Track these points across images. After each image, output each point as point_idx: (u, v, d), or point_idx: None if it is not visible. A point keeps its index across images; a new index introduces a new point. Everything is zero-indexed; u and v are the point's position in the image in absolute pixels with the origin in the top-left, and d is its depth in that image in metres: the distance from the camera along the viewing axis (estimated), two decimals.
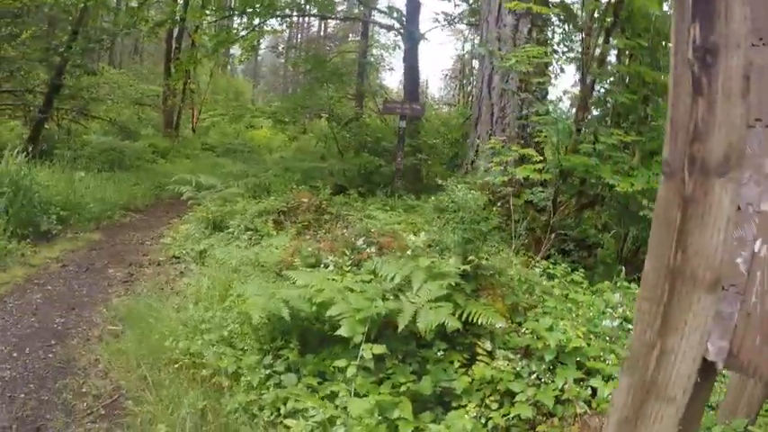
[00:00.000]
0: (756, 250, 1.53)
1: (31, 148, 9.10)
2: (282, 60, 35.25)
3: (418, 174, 11.46)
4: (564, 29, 10.92)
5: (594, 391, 3.28)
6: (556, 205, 6.14)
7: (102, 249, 7.21)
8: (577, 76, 12.28)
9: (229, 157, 16.05)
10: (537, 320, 3.76)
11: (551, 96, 8.35)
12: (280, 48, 29.82)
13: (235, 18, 15.51)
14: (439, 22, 14.89)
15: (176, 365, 3.51)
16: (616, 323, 3.97)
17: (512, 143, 7.28)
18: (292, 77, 32.84)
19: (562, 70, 11.22)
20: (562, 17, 9.65)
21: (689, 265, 1.57)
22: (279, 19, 15.75)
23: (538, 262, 5.19)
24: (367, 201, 8.21)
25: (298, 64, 19.31)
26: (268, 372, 3.23)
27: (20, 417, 3.18)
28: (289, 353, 3.31)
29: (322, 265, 4.35)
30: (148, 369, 3.55)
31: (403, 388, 3.02)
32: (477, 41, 23.86)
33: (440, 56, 67.67)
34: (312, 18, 29.62)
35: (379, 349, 2.97)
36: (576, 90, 8.85)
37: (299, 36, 37.17)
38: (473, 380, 3.23)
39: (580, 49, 10.60)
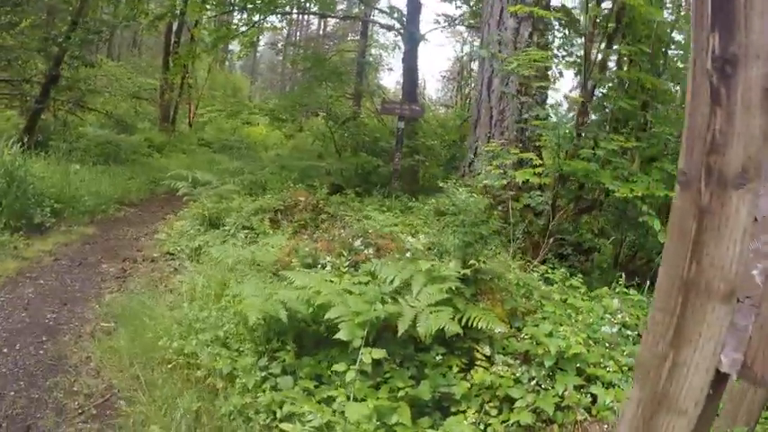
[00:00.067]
0: None
1: (26, 139, 8.99)
2: (281, 58, 35.19)
3: (415, 175, 11.42)
4: (564, 33, 10.94)
5: (594, 397, 3.26)
6: (554, 209, 6.11)
7: (95, 244, 7.13)
8: (575, 81, 12.29)
9: (226, 154, 15.95)
10: (536, 326, 3.73)
11: (550, 100, 8.36)
12: (279, 45, 29.70)
13: (235, 14, 15.44)
14: (440, 23, 14.87)
15: (170, 365, 3.45)
16: (615, 329, 3.95)
17: (510, 146, 7.25)
18: (290, 75, 32.76)
19: (561, 74, 11.23)
20: (563, 21, 9.65)
21: (704, 277, 1.54)
22: (279, 16, 15.68)
23: (536, 266, 5.16)
24: (364, 201, 8.16)
25: (297, 62, 19.23)
26: (264, 374, 3.18)
27: (9, 415, 3.12)
28: (285, 355, 3.26)
29: (319, 266, 4.30)
30: (141, 368, 3.49)
31: (401, 393, 2.98)
32: (476, 44, 23.91)
33: (438, 57, 67.69)
34: (312, 16, 29.57)
35: (379, 354, 2.92)
36: (574, 94, 8.86)
37: (299, 34, 37.09)
38: (472, 385, 3.20)
39: (580, 54, 10.63)
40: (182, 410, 2.94)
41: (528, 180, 5.78)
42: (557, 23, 9.40)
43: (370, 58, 22.04)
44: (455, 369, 3.29)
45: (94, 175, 9.85)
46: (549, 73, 8.35)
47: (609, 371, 3.45)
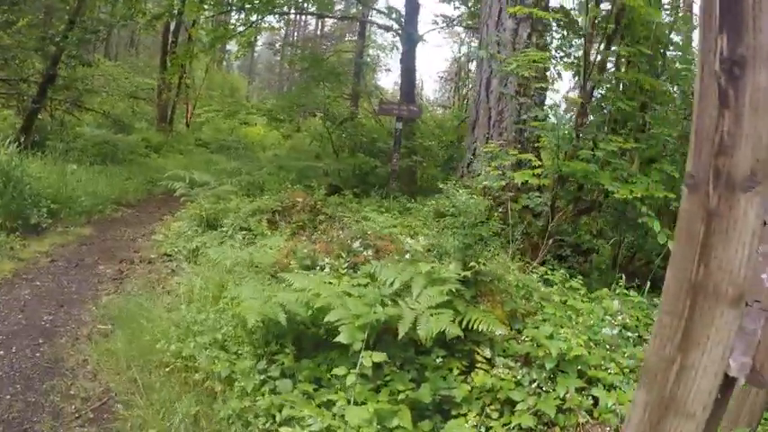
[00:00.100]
0: None
1: (23, 139, 8.95)
2: (279, 58, 35.17)
3: (413, 175, 11.40)
4: (562, 34, 10.94)
5: (596, 400, 3.24)
6: (554, 210, 6.09)
7: (92, 245, 7.09)
8: (572, 82, 12.29)
9: (223, 154, 15.91)
10: (537, 328, 3.71)
11: (550, 101, 8.34)
12: (276, 45, 29.66)
13: (232, 14, 15.39)
14: (438, 24, 14.86)
15: (168, 368, 3.42)
16: (615, 331, 3.93)
17: (509, 147, 7.24)
18: (288, 75, 32.75)
19: (559, 75, 11.22)
20: (561, 22, 9.64)
21: (712, 280, 1.52)
22: (276, 16, 15.65)
23: (535, 268, 5.14)
24: (362, 202, 8.13)
25: (294, 62, 19.21)
26: (262, 377, 3.15)
27: (6, 419, 3.09)
28: (284, 358, 3.23)
29: (318, 268, 4.27)
30: (139, 371, 3.46)
31: (402, 396, 2.95)
32: (474, 45, 23.91)
33: (435, 58, 67.71)
34: (309, 16, 29.52)
35: (380, 357, 2.89)
36: (572, 95, 8.85)
37: (296, 34, 37.04)
38: (473, 388, 3.17)
39: (578, 55, 10.62)
40: (180, 414, 2.91)
41: (527, 181, 5.77)
42: (555, 24, 9.40)
43: (368, 59, 22.02)
44: (456, 372, 3.26)
45: (91, 176, 9.80)
46: (548, 74, 8.34)
47: (610, 373, 3.43)
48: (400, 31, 13.44)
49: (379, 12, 15.08)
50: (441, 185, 5.03)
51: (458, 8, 14.77)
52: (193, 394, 3.15)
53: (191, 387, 3.26)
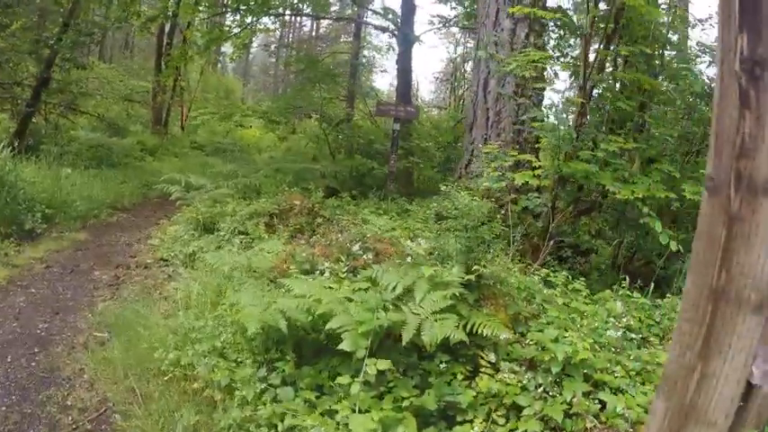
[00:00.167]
0: None
1: (16, 143, 8.85)
2: (274, 59, 35.10)
3: (410, 177, 11.36)
4: (559, 34, 10.92)
5: (603, 404, 3.19)
6: (554, 212, 6.05)
7: (87, 250, 7.01)
8: (568, 82, 12.27)
9: (219, 157, 15.80)
10: (540, 331, 3.66)
11: (549, 101, 8.31)
12: (272, 47, 29.60)
13: (227, 15, 15.31)
14: (434, 24, 14.82)
15: (166, 377, 3.34)
16: (620, 333, 3.88)
17: (507, 148, 7.20)
18: (283, 77, 32.66)
19: (556, 75, 11.20)
20: (559, 23, 9.61)
21: (733, 285, 1.47)
22: (272, 17, 15.59)
23: (537, 270, 5.09)
24: (360, 204, 8.07)
25: (290, 63, 19.14)
26: (263, 385, 3.07)
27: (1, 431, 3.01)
28: (284, 365, 3.15)
29: (317, 272, 4.21)
30: (136, 380, 3.39)
31: (406, 403, 2.88)
32: (469, 45, 23.91)
33: (431, 59, 67.82)
34: (304, 18, 29.47)
35: (384, 365, 2.82)
36: (569, 95, 8.81)
37: (291, 36, 36.96)
38: (478, 393, 3.11)
39: (575, 55, 10.59)
40: (180, 425, 2.84)
41: (527, 182, 5.72)
42: (552, 24, 9.37)
43: (364, 60, 21.97)
44: (460, 377, 3.20)
45: (86, 180, 9.70)
46: (545, 74, 8.31)
47: (617, 376, 3.38)
48: (396, 32, 13.39)
49: (375, 12, 15.07)
50: (442, 187, 4.97)
51: (454, 8, 14.74)
52: (193, 403, 3.08)
53: (190, 396, 3.19)
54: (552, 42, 10.40)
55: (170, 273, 5.85)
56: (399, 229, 5.70)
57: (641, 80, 6.75)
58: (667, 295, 4.76)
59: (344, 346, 2.88)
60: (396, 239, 4.58)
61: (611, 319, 4.07)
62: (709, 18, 7.89)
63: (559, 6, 10.33)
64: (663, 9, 8.04)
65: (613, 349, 3.71)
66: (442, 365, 3.20)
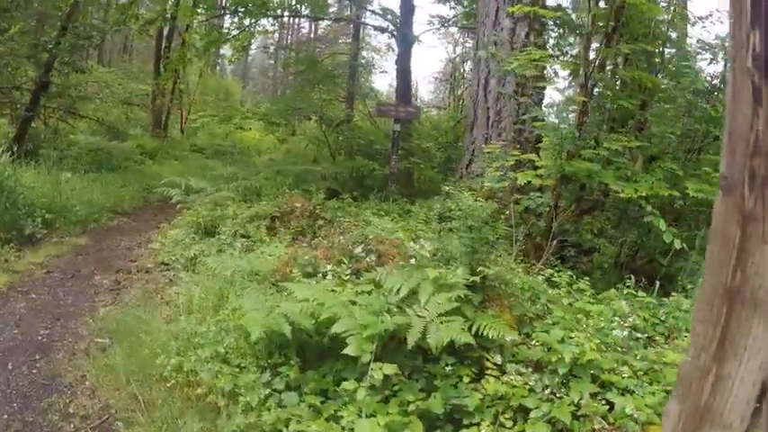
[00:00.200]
0: None
1: (15, 148, 8.82)
2: (272, 61, 35.07)
3: (410, 177, 11.33)
4: (559, 33, 10.89)
5: (611, 405, 3.15)
6: (557, 211, 6.01)
7: (88, 255, 6.98)
8: (567, 81, 12.25)
9: (219, 159, 15.79)
10: (547, 332, 3.62)
11: (550, 100, 8.28)
12: (270, 49, 29.57)
13: (226, 18, 15.30)
14: (434, 24, 14.78)
15: (168, 384, 3.31)
16: (626, 333, 3.85)
17: (508, 147, 7.17)
18: (282, 78, 32.61)
19: (556, 74, 11.18)
20: (558, 21, 9.58)
21: (748, 286, 1.43)
22: (270, 19, 15.57)
23: (541, 270, 5.05)
24: (361, 205, 8.04)
25: (289, 65, 19.11)
26: (267, 391, 3.04)
27: None
28: (288, 370, 3.12)
29: (320, 275, 4.17)
30: (139, 387, 3.35)
31: (412, 407, 2.85)
32: (468, 45, 23.88)
33: (430, 59, 67.81)
34: (303, 19, 29.46)
35: (391, 369, 2.79)
36: (568, 94, 8.80)
37: (290, 37, 36.93)
38: (484, 396, 3.07)
39: (574, 53, 10.56)
40: None
41: (529, 182, 5.68)
42: (551, 23, 9.34)
43: (363, 61, 21.94)
44: (466, 380, 3.16)
45: (86, 184, 9.67)
46: (545, 73, 8.28)
47: (624, 377, 3.34)
48: (395, 33, 13.37)
49: (374, 13, 15.04)
50: (444, 188, 4.93)
51: (453, 8, 14.71)
52: (196, 410, 3.05)
53: (193, 402, 3.15)
54: (552, 41, 10.39)
55: (171, 277, 5.81)
56: (401, 230, 5.66)
57: (642, 78, 6.73)
58: (672, 294, 4.72)
59: (349, 350, 2.84)
60: (399, 241, 4.54)
61: (617, 319, 4.04)
62: (710, 15, 7.85)
63: (559, 5, 10.31)
64: (663, 6, 8.01)
65: (620, 349, 3.68)
66: (448, 368, 3.17)
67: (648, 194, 5.37)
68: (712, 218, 1.55)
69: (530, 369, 3.35)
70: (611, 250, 7.07)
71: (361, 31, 20.17)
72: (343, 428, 2.69)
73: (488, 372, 3.26)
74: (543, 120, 6.70)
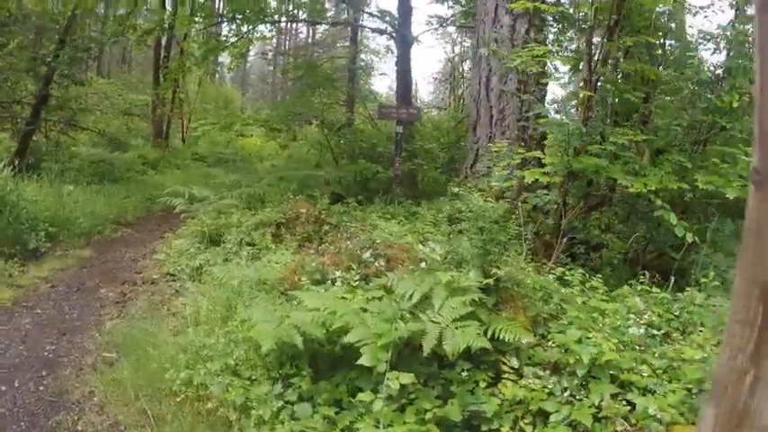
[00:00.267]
0: None
1: (17, 162, 8.78)
2: (271, 68, 35.07)
3: (414, 179, 11.26)
4: (558, 28, 10.81)
5: (632, 405, 3.07)
6: (566, 208, 5.93)
7: (93, 267, 6.92)
8: (567, 77, 12.16)
9: (221, 167, 15.75)
10: (562, 332, 3.54)
11: (550, 95, 8.20)
12: (269, 55, 29.55)
13: (224, 25, 15.27)
14: (432, 24, 14.73)
15: (178, 398, 3.23)
16: (642, 330, 3.76)
17: (513, 146, 7.09)
18: (281, 84, 32.61)
19: (556, 70, 11.10)
20: (558, 16, 9.50)
21: None
22: (268, 25, 15.53)
23: (552, 268, 4.97)
24: (366, 209, 7.97)
25: (288, 70, 19.06)
26: (280, 403, 2.96)
27: None
28: (300, 381, 3.04)
29: (328, 281, 4.10)
30: (148, 402, 3.28)
31: (429, 415, 2.77)
32: (466, 44, 23.82)
33: (428, 59, 67.68)
34: (300, 24, 29.43)
35: (407, 378, 2.71)
36: (570, 89, 8.71)
37: (287, 43, 36.94)
38: (503, 401, 3.00)
39: (573, 48, 10.48)
40: None
41: (536, 180, 5.60)
42: (550, 18, 9.27)
43: (362, 64, 21.89)
44: (483, 385, 3.09)
45: (89, 196, 9.63)
46: (545, 69, 8.21)
47: (644, 376, 3.26)
48: (394, 34, 13.31)
49: (372, 15, 14.99)
50: (453, 189, 4.85)
51: (451, 7, 14.65)
52: (207, 425, 2.98)
53: (204, 417, 3.08)
54: (551, 36, 10.31)
55: (177, 288, 5.74)
56: (409, 233, 5.59)
57: (646, 71, 6.65)
58: (686, 289, 4.63)
59: (364, 360, 2.76)
60: (408, 245, 4.46)
61: (632, 316, 3.96)
62: (712, 4, 7.77)
63: (557, 0, 10.24)
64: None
65: (638, 347, 3.59)
66: (464, 374, 3.09)
67: (658, 188, 5.29)
68: (745, 214, 1.48)
69: (547, 371, 3.27)
70: (620, 245, 6.98)
71: (359, 33, 20.14)
72: None
73: (505, 376, 3.19)
74: (547, 116, 6.62)
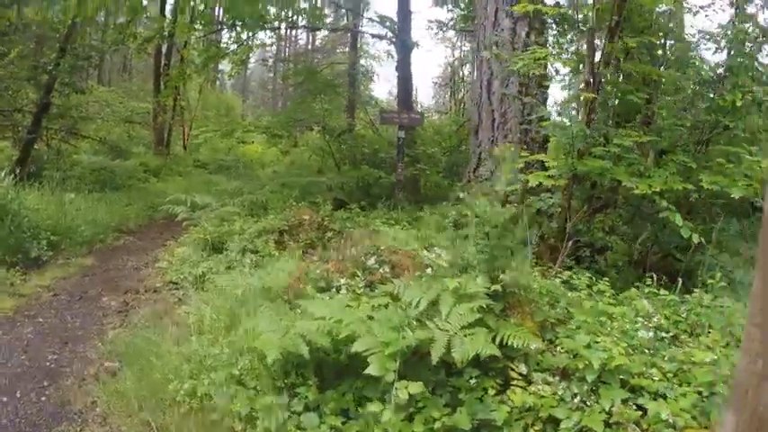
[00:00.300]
0: None
1: (18, 171, 8.77)
2: (271, 74, 35.12)
3: (416, 184, 11.24)
4: (558, 30, 10.79)
5: (643, 410, 3.02)
6: (570, 211, 5.88)
7: (95, 275, 6.89)
8: (567, 80, 12.13)
9: (222, 174, 15.72)
10: (570, 337, 3.49)
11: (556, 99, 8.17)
12: (269, 61, 29.59)
13: (224, 32, 15.29)
14: (432, 29, 14.75)
15: (182, 409, 3.18)
16: (651, 334, 3.71)
17: (516, 149, 7.05)
18: (281, 90, 32.64)
19: (557, 72, 11.07)
20: (557, 18, 9.48)
21: None
22: (268, 32, 15.55)
23: (558, 272, 4.92)
24: (369, 215, 7.94)
25: (289, 77, 19.08)
26: (286, 413, 2.90)
27: None
28: (306, 390, 2.99)
29: (333, 289, 4.05)
30: (151, 413, 3.22)
31: (438, 424, 2.72)
32: (466, 48, 23.84)
33: (428, 63, 67.85)
34: (300, 30, 29.49)
35: (416, 388, 2.66)
36: (571, 92, 8.67)
37: (287, 49, 37.00)
38: (512, 408, 2.94)
39: (572, 50, 10.46)
40: None
41: (540, 183, 5.56)
42: (550, 20, 9.25)
43: (362, 69, 21.90)
44: (491, 392, 3.03)
45: (90, 204, 9.60)
46: (546, 71, 8.19)
47: (654, 380, 3.21)
48: (394, 39, 13.30)
49: (372, 20, 14.98)
50: (459, 194, 4.80)
51: (451, 11, 14.66)
52: None
53: (208, 428, 3.03)
54: (551, 39, 10.29)
55: (180, 296, 5.70)
56: (413, 239, 5.54)
57: (648, 71, 6.62)
58: (693, 290, 4.58)
59: (372, 370, 2.71)
60: (413, 251, 4.42)
61: (640, 319, 3.91)
62: (712, 3, 7.73)
63: (557, 2, 10.23)
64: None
65: (647, 351, 3.54)
66: (472, 381, 3.04)
67: (663, 189, 5.24)
68: (763, 216, 1.44)
69: (557, 377, 3.22)
70: (623, 247, 6.94)
71: (359, 39, 20.15)
72: None
73: (514, 382, 3.13)
74: (549, 119, 6.59)
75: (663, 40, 8.21)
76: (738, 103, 5.73)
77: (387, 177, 10.50)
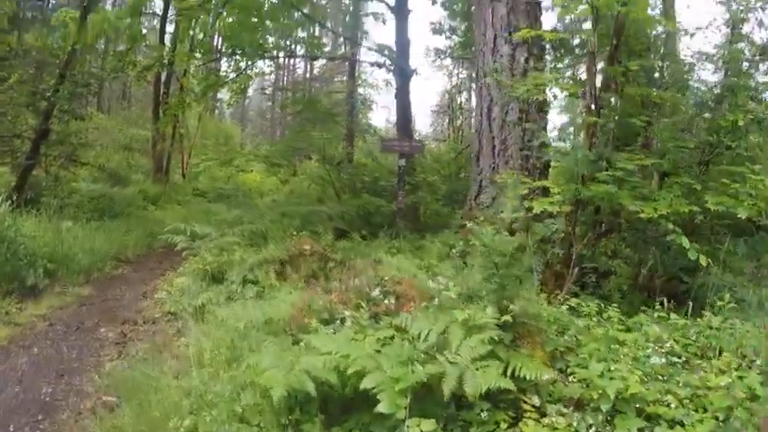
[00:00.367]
0: None
1: (15, 197, 8.68)
2: (270, 103, 35.39)
3: (417, 212, 11.18)
4: (555, 56, 10.90)
5: None
6: (575, 237, 5.81)
7: (92, 305, 6.77)
8: (564, 105, 12.19)
9: (222, 203, 15.61)
10: (584, 366, 3.39)
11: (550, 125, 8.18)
12: (268, 90, 29.83)
13: (223, 61, 15.41)
14: (430, 56, 14.89)
15: None
16: (663, 360, 3.62)
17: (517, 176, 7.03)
18: (280, 119, 32.84)
19: (555, 97, 11.15)
20: (555, 44, 9.58)
21: None
22: (267, 60, 15.68)
23: (566, 299, 4.83)
24: (371, 244, 7.86)
25: (287, 105, 19.18)
26: None
27: None
28: (312, 427, 2.87)
29: (337, 321, 3.95)
30: None
31: None
32: (463, 75, 24.06)
33: (425, 91, 68.43)
34: (298, 59, 29.82)
35: (428, 425, 2.55)
36: (569, 117, 8.72)
37: (285, 78, 37.36)
38: None
39: (568, 75, 10.54)
40: None
41: (545, 209, 5.51)
42: (549, 46, 9.34)
43: (360, 98, 22.07)
44: (504, 425, 2.92)
45: (88, 232, 9.46)
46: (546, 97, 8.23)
47: (671, 407, 3.10)
48: (393, 68, 13.40)
49: (370, 49, 15.12)
50: (468, 224, 4.71)
51: (449, 38, 14.81)
52: None
53: None
54: (549, 65, 10.39)
55: (179, 327, 5.57)
56: (416, 268, 5.45)
57: (649, 94, 6.64)
58: (704, 312, 4.50)
59: (382, 408, 2.60)
60: (418, 281, 4.32)
61: (651, 345, 3.81)
62: (710, 25, 7.79)
63: (554, 28, 10.34)
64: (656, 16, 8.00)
65: (661, 377, 3.44)
66: (484, 414, 2.93)
67: (668, 212, 5.20)
68: None
69: (570, 408, 3.12)
70: (627, 271, 6.86)
71: (357, 68, 20.34)
72: None
73: (527, 414, 3.03)
74: (549, 144, 6.58)
75: (661, 63, 8.29)
76: (740, 123, 5.72)
77: (387, 206, 10.44)
